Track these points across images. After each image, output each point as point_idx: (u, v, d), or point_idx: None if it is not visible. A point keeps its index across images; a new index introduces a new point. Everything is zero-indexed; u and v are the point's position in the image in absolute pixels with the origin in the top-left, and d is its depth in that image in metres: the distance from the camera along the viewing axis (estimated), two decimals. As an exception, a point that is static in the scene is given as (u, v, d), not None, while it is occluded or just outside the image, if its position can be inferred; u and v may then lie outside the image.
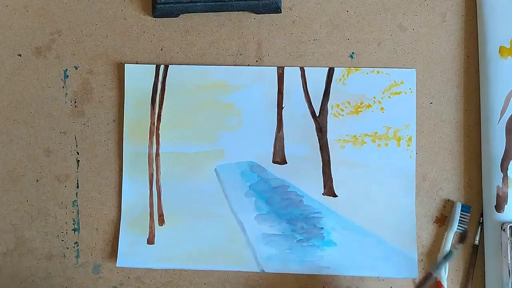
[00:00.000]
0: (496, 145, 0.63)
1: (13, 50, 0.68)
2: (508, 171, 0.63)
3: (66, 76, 0.68)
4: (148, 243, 0.65)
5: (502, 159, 0.63)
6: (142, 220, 0.66)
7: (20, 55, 0.68)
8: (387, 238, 0.64)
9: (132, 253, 0.65)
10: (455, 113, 0.66)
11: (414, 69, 0.66)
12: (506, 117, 0.63)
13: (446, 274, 0.64)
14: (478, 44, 0.66)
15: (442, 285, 0.63)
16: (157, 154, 0.66)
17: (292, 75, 0.66)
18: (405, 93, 0.65)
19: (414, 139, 0.65)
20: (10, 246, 0.67)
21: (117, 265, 0.65)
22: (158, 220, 0.66)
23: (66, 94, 0.68)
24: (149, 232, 0.66)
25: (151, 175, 0.66)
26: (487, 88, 0.64)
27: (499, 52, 0.64)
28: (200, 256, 0.65)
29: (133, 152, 0.66)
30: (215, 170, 0.66)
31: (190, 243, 0.65)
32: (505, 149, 0.63)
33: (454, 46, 0.66)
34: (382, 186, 0.64)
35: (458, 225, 0.64)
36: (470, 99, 0.66)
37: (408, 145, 0.65)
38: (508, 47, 0.64)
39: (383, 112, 0.65)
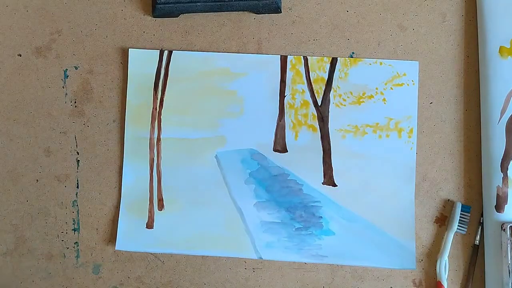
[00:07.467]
0: (496, 145, 0.63)
1: (13, 50, 0.68)
2: (508, 171, 0.63)
3: (66, 76, 0.68)
4: (147, 227, 0.66)
5: (502, 159, 0.63)
6: (141, 204, 0.66)
7: (20, 55, 0.68)
8: (385, 228, 0.64)
9: (131, 237, 0.66)
10: (455, 113, 0.66)
11: (417, 61, 0.66)
12: (506, 117, 0.63)
13: (446, 274, 0.64)
14: (478, 44, 0.66)
15: (442, 285, 0.63)
16: (158, 139, 0.66)
17: (295, 64, 0.66)
18: (408, 85, 0.66)
19: (415, 131, 0.65)
20: (10, 246, 0.67)
21: (116, 249, 0.65)
22: (158, 205, 0.66)
23: (66, 94, 0.68)
24: (148, 216, 0.66)
25: (151, 160, 0.66)
26: (487, 88, 0.64)
27: (499, 52, 0.64)
28: (199, 242, 0.65)
29: (135, 137, 0.66)
30: (216, 156, 0.66)
31: (189, 228, 0.65)
32: (505, 149, 0.63)
33: (454, 46, 0.66)
34: (382, 177, 0.65)
35: (458, 225, 0.64)
36: (470, 99, 0.66)
37: (409, 137, 0.65)
38: (508, 47, 0.64)
39: (385, 103, 0.66)
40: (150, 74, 0.67)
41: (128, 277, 0.66)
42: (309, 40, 0.67)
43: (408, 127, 0.65)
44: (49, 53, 0.68)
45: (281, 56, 0.66)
